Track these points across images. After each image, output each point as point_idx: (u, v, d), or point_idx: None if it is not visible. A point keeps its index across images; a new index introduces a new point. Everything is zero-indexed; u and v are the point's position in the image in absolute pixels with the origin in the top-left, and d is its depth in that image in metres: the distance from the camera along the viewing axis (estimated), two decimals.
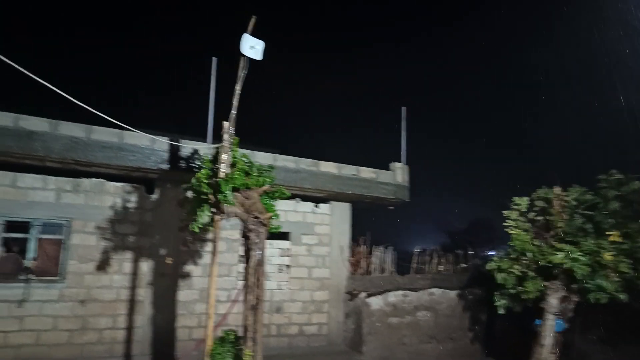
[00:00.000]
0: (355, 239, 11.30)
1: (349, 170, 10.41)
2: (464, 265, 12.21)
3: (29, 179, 8.12)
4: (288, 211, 10.30)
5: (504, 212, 9.77)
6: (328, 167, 10.16)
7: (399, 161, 11.15)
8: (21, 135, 7.40)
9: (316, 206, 10.78)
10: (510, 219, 9.64)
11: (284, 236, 10.20)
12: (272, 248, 10.11)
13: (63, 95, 4.98)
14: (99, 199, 8.58)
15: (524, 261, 9.15)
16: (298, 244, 10.43)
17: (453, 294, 11.17)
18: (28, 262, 8.02)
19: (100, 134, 7.94)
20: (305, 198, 10.57)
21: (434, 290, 11.03)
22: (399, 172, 11.06)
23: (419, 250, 12.12)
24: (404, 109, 11.44)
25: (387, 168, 11.08)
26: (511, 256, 9.31)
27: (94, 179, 8.57)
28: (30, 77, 4.42)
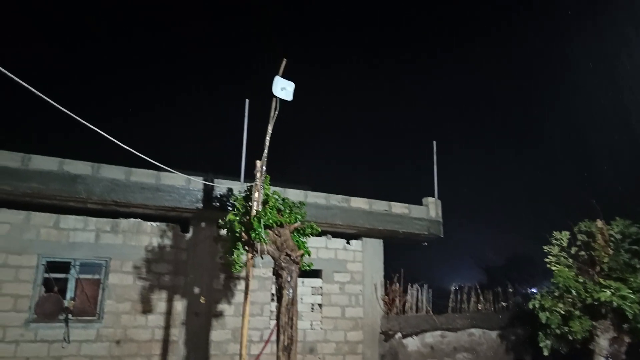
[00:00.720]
0: (388, 277, 11.06)
1: (380, 205, 10.34)
2: (504, 303, 11.71)
3: (71, 221, 8.44)
4: (319, 248, 10.25)
5: (544, 247, 9.41)
6: (359, 202, 10.13)
7: (431, 196, 11.02)
8: (65, 179, 7.77)
9: (348, 243, 10.70)
10: (551, 255, 9.27)
11: (315, 274, 10.11)
12: (304, 286, 10.02)
13: (104, 136, 5.23)
14: (136, 238, 8.80)
15: (569, 299, 8.70)
16: (330, 282, 10.30)
17: (494, 334, 10.67)
18: (67, 302, 8.22)
19: (139, 175, 8.24)
20: (336, 234, 10.52)
21: (473, 330, 10.58)
22: (431, 207, 10.91)
23: (455, 288, 11.73)
24: (434, 142, 11.40)
25: (419, 203, 10.95)
26: (555, 294, 8.89)
27: (131, 219, 8.83)
28: (74, 118, 4.69)
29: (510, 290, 12.01)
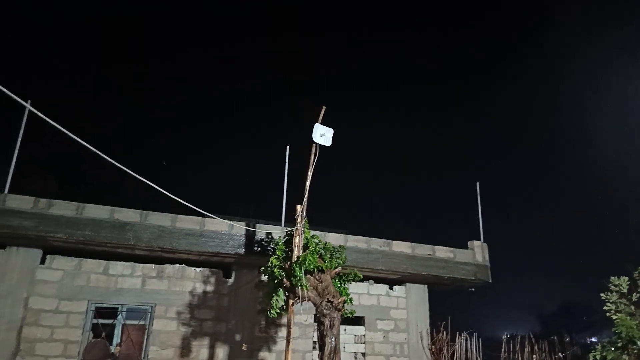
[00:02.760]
0: (434, 324, 10.62)
1: (423, 250, 10.10)
2: (561, 354, 10.90)
3: (119, 267, 8.71)
4: (361, 294, 10.03)
5: (602, 294, 8.80)
6: (401, 246, 9.93)
7: (477, 239, 10.67)
8: (115, 226, 8.10)
9: (391, 289, 10.43)
10: (610, 302, 8.64)
11: (358, 321, 9.85)
12: (346, 334, 9.75)
13: (151, 186, 5.48)
14: (180, 284, 8.94)
15: (634, 350, 8.00)
16: (373, 330, 9.98)
17: None
18: (114, 348, 8.35)
19: (184, 222, 8.48)
20: (378, 280, 10.30)
21: None
22: (478, 251, 10.54)
23: (507, 337, 11.07)
24: (477, 184, 11.17)
25: (464, 247, 10.62)
26: (617, 344, 8.20)
27: (176, 265, 9.02)
28: (123, 169, 4.95)
29: (567, 339, 11.21)
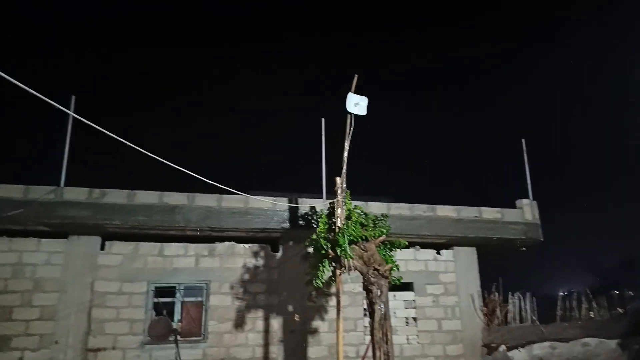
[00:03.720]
0: (486, 286, 10.49)
1: (469, 212, 9.92)
2: (621, 309, 10.52)
3: (173, 248, 9.13)
4: (408, 260, 10.03)
5: None
6: (446, 211, 9.80)
7: (525, 197, 10.34)
8: (166, 210, 8.46)
9: (438, 253, 10.36)
10: None
11: (407, 287, 9.89)
12: (396, 300, 9.84)
13: (189, 172, 5.66)
14: (231, 261, 9.28)
15: None
16: (423, 295, 10.01)
17: (612, 343, 9.60)
18: (175, 325, 8.84)
19: (229, 201, 8.72)
20: (424, 245, 10.24)
21: (588, 340, 9.60)
22: (527, 209, 10.23)
23: (563, 294, 10.78)
24: (523, 140, 10.75)
25: (512, 206, 10.32)
26: None
27: (226, 243, 9.34)
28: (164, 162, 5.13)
29: (629, 294, 10.78)
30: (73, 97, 8.29)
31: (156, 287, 8.92)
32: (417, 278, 10.05)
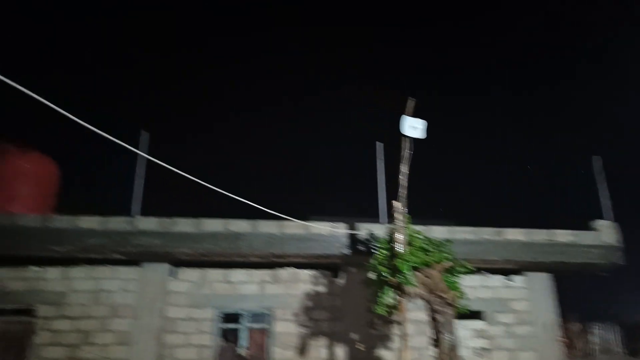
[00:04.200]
0: (563, 315, 9.75)
1: (540, 235, 9.35)
2: None
3: (238, 274, 9.36)
4: (476, 287, 9.57)
5: None
6: (514, 234, 9.31)
7: (599, 218, 9.59)
8: (230, 237, 8.74)
9: (508, 279, 9.81)
10: None
11: (476, 315, 9.41)
12: (465, 329, 9.37)
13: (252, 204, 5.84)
14: (294, 287, 9.34)
15: None
16: (493, 324, 9.47)
17: None
18: (242, 351, 8.98)
19: (291, 227, 8.85)
20: (493, 271, 9.74)
21: None
22: (605, 231, 9.47)
23: None
24: (595, 158, 10.07)
25: (587, 228, 9.61)
26: None
27: (288, 269, 9.44)
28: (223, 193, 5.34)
29: None
30: (144, 133, 8.91)
31: (222, 314, 9.14)
32: (486, 306, 9.55)
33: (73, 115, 3.44)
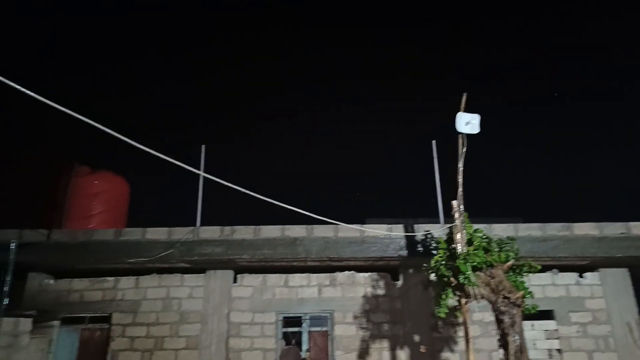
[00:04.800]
0: None
1: (614, 228, 8.74)
2: None
3: (297, 278, 9.51)
4: (545, 286, 9.11)
5: None
6: (585, 228, 8.77)
7: None
8: (287, 243, 8.91)
9: (580, 276, 9.24)
10: None
11: (546, 315, 8.95)
12: (535, 330, 8.95)
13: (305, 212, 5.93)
14: (352, 290, 9.35)
15: None
16: (566, 324, 8.95)
17: None
18: (304, 354, 9.11)
19: (345, 231, 8.88)
20: (563, 268, 9.22)
21: None
22: None
23: None
24: None
25: None
26: None
27: (346, 272, 9.46)
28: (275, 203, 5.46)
29: None
30: (203, 147, 9.31)
31: (284, 317, 9.32)
32: (557, 305, 9.05)
33: (134, 141, 3.71)
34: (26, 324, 7.70)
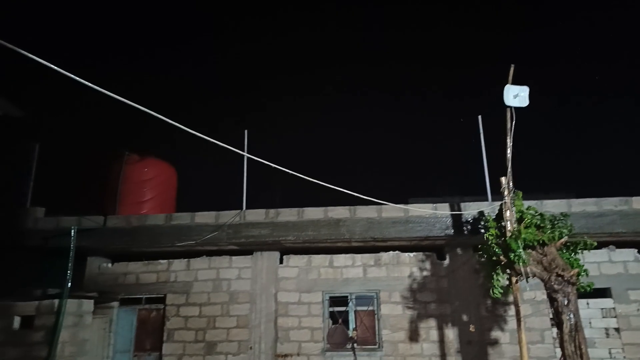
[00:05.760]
0: None
1: None
2: None
3: (341, 259, 9.58)
4: (601, 263, 8.74)
5: None
6: None
7: None
8: (331, 224, 8.96)
9: (639, 253, 8.79)
10: None
11: (602, 293, 8.60)
12: (590, 309, 8.63)
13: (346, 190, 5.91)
14: (397, 270, 9.33)
15: None
16: (625, 302, 8.57)
17: None
18: (351, 333, 9.23)
19: (389, 211, 8.82)
20: (620, 245, 8.79)
21: None
22: None
23: None
24: None
25: None
26: None
27: (390, 252, 9.44)
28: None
29: None
30: (246, 132, 9.44)
31: (330, 297, 9.44)
32: (615, 283, 8.67)
33: (180, 124, 3.79)
34: (89, 304, 8.19)
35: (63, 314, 7.27)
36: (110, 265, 9.94)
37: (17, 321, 7.36)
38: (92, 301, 8.35)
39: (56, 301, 7.39)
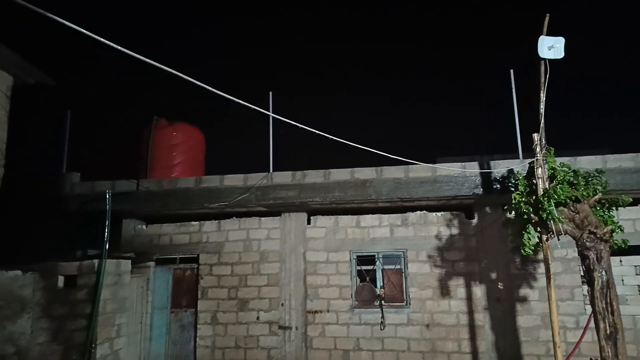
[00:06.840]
0: None
1: None
2: None
3: (368, 219, 9.65)
4: (636, 220, 8.51)
5: None
6: None
7: None
8: (357, 185, 8.97)
9: None
10: None
11: (637, 250, 8.42)
12: (623, 266, 8.49)
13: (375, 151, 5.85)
14: (425, 229, 9.34)
15: None
16: None
17: None
18: (379, 290, 9.40)
19: (416, 171, 8.75)
20: None
21: None
22: None
23: None
24: None
25: None
26: None
27: (417, 212, 9.43)
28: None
29: None
30: (270, 94, 9.39)
31: (357, 256, 9.59)
32: None
33: (209, 86, 3.80)
34: (126, 264, 8.56)
35: (103, 273, 7.64)
36: (144, 227, 10.31)
37: (61, 280, 7.78)
38: (129, 261, 8.72)
39: (96, 261, 7.75)
